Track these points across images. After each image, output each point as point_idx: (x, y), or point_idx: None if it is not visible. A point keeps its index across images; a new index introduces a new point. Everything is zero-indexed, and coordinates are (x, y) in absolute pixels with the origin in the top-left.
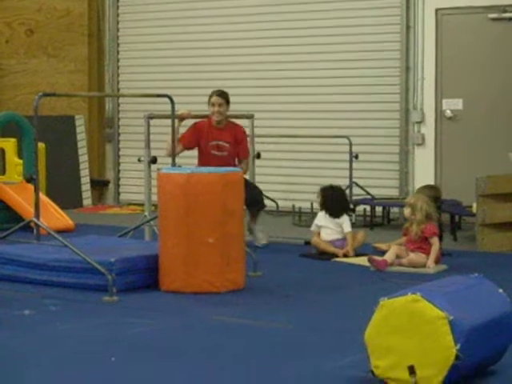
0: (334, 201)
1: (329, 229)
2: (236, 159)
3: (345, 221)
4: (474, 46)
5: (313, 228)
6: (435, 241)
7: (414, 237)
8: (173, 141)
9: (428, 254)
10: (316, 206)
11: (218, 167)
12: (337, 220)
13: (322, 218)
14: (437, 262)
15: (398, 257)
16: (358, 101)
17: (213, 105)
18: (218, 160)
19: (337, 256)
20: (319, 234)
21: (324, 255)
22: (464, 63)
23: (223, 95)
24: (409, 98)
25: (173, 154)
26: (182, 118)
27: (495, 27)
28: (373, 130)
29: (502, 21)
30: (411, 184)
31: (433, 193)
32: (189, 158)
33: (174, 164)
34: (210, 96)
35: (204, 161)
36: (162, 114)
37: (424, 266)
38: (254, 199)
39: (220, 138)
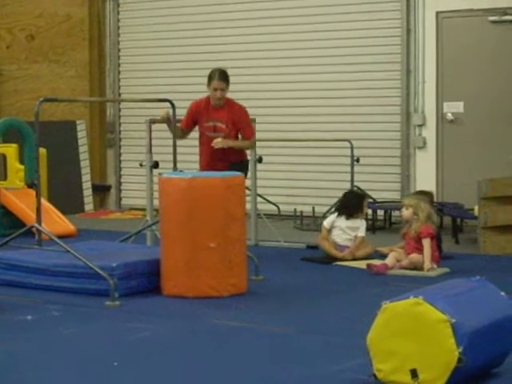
0: (348, 203)
1: (342, 230)
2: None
3: (361, 225)
4: (474, 48)
5: (325, 222)
6: (427, 242)
7: (414, 235)
8: (174, 145)
9: None
10: (318, 209)
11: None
12: (352, 222)
13: (338, 218)
14: (436, 261)
15: (398, 261)
16: (359, 104)
17: (215, 89)
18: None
19: (339, 259)
20: (328, 232)
21: (326, 259)
22: (465, 66)
23: (225, 78)
24: (410, 101)
25: (174, 153)
26: (167, 120)
27: (496, 30)
28: (374, 134)
29: (503, 23)
30: (413, 187)
31: (428, 198)
32: (191, 163)
33: (175, 169)
34: (211, 78)
35: (202, 144)
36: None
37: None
38: None
39: (217, 117)
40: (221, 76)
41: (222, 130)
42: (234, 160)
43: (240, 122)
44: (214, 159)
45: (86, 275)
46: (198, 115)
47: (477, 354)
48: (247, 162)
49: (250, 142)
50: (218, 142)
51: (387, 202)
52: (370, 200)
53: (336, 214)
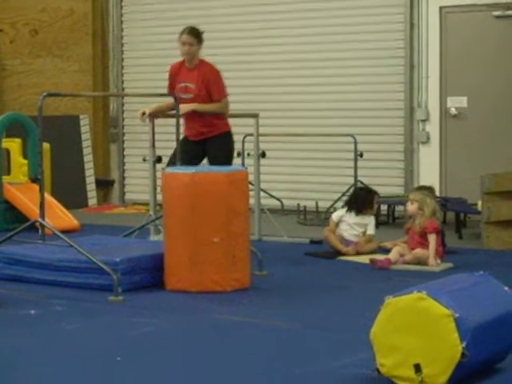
0: (359, 199)
1: (349, 226)
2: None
3: (370, 222)
4: (478, 43)
5: (334, 216)
6: (433, 237)
7: (419, 230)
8: (177, 140)
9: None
10: (322, 204)
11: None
12: (360, 219)
13: (347, 213)
14: (440, 256)
15: (401, 255)
16: (362, 99)
17: (183, 43)
18: (184, 104)
19: (342, 254)
20: (335, 226)
21: (329, 254)
22: (468, 61)
23: (194, 33)
24: (413, 96)
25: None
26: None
27: (499, 25)
28: (377, 129)
29: (506, 18)
30: (416, 182)
31: (431, 193)
32: None
33: (178, 163)
34: (181, 33)
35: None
36: (167, 113)
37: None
38: None
39: (188, 79)
40: (190, 31)
41: (192, 91)
42: (212, 133)
43: (209, 82)
44: (191, 127)
45: (90, 270)
46: (174, 78)
47: (480, 349)
48: (228, 134)
49: (219, 104)
50: (183, 107)
51: (390, 196)
52: None
53: (346, 208)
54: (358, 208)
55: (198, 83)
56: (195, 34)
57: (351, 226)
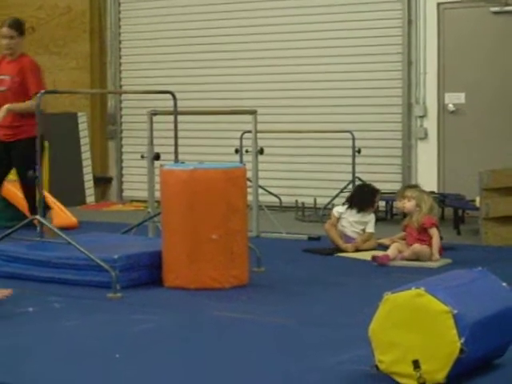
0: (361, 197)
1: (349, 223)
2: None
3: (371, 220)
4: (475, 39)
5: (335, 211)
6: (434, 231)
7: (417, 227)
8: (175, 137)
9: (428, 245)
10: (320, 201)
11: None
12: (361, 216)
13: (348, 210)
14: (439, 252)
15: (399, 252)
16: (360, 95)
17: (3, 37)
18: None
19: (340, 250)
20: (336, 221)
21: (328, 250)
22: (466, 57)
23: (14, 25)
24: (411, 93)
25: None
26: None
27: (497, 20)
28: (375, 125)
29: (504, 14)
30: (414, 178)
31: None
32: (192, 155)
33: (176, 160)
34: (1, 26)
35: None
36: (165, 110)
37: (427, 255)
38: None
39: (6, 71)
40: (10, 23)
41: (5, 83)
42: (18, 136)
43: (26, 74)
44: (1, 126)
45: (88, 267)
46: None
47: (478, 345)
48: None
49: (33, 102)
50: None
51: (388, 193)
52: None
53: (347, 205)
54: (359, 206)
55: (14, 75)
56: (16, 27)
57: (351, 224)
